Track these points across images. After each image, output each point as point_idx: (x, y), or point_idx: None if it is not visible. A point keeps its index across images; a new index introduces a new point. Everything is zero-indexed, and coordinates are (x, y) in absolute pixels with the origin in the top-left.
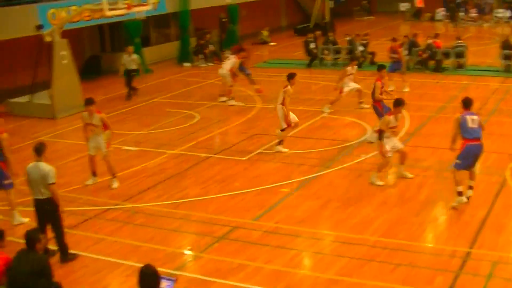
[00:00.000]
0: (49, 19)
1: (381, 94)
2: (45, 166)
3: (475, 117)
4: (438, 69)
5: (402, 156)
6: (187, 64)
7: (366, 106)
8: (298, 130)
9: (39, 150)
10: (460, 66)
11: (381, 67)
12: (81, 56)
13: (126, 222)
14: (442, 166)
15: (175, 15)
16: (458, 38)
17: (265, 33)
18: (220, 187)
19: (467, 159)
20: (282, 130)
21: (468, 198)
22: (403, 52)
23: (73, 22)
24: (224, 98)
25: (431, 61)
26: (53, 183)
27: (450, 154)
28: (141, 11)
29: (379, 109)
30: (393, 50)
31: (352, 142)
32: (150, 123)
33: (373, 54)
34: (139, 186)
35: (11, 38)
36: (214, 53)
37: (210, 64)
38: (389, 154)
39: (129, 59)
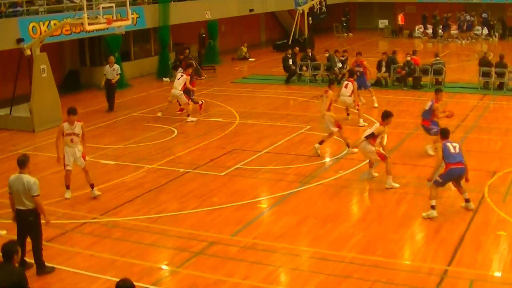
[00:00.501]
0: (29, 32)
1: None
2: (29, 178)
3: (455, 144)
4: (417, 86)
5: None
6: (166, 79)
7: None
8: (276, 145)
9: (23, 162)
10: (438, 83)
11: (438, 90)
12: (61, 70)
13: (103, 236)
14: (420, 182)
15: (155, 30)
16: (436, 55)
17: (244, 49)
18: (198, 202)
19: (448, 180)
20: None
21: (471, 208)
22: (382, 68)
23: (54, 36)
24: (192, 118)
25: (409, 78)
26: (38, 195)
27: (428, 170)
28: (121, 25)
29: (428, 126)
30: (357, 64)
31: (331, 158)
32: (128, 137)
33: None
34: (117, 200)
35: None
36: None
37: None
38: (387, 155)
39: (110, 70)
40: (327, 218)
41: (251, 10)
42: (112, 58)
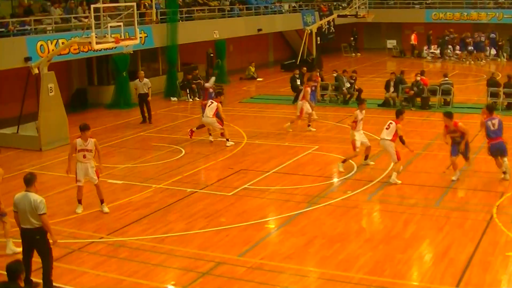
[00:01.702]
0: (37, 51)
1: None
2: (36, 197)
3: (494, 121)
4: (425, 106)
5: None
6: (174, 99)
7: (313, 129)
8: (284, 166)
9: (30, 181)
10: (446, 104)
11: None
12: (69, 89)
13: (110, 255)
14: (428, 203)
15: (163, 49)
16: (445, 76)
17: (252, 68)
18: (206, 222)
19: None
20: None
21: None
22: (390, 88)
23: (61, 54)
24: (230, 142)
25: (418, 98)
26: (44, 213)
27: (436, 191)
28: (129, 45)
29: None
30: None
31: (339, 178)
32: (136, 157)
33: (359, 91)
34: (124, 219)
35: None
36: (201, 88)
37: (197, 99)
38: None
39: (141, 84)
40: (335, 239)
41: (259, 30)
42: (142, 73)
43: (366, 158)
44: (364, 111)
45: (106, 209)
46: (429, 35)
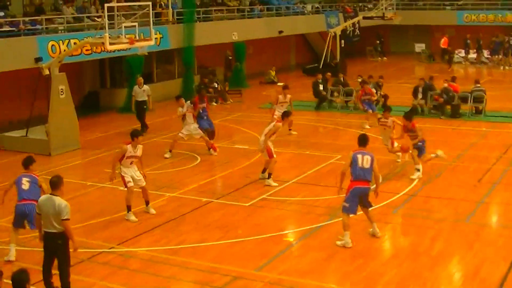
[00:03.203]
0: (48, 51)
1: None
2: (60, 201)
3: (367, 156)
4: (455, 114)
5: None
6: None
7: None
8: (304, 175)
9: (56, 184)
10: (478, 112)
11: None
12: (80, 91)
13: (120, 266)
14: (458, 218)
15: (179, 51)
16: (477, 82)
17: (272, 72)
18: (221, 233)
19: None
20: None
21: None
22: (419, 95)
23: (73, 55)
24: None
25: (447, 106)
26: (68, 219)
27: (466, 205)
28: (144, 46)
29: None
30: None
31: None
32: (149, 164)
33: (385, 97)
34: (135, 229)
35: (9, 70)
36: (218, 92)
37: (214, 104)
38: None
39: (140, 90)
40: (358, 254)
41: (280, 32)
42: (140, 79)
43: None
44: (391, 119)
45: (152, 211)
46: (467, 39)
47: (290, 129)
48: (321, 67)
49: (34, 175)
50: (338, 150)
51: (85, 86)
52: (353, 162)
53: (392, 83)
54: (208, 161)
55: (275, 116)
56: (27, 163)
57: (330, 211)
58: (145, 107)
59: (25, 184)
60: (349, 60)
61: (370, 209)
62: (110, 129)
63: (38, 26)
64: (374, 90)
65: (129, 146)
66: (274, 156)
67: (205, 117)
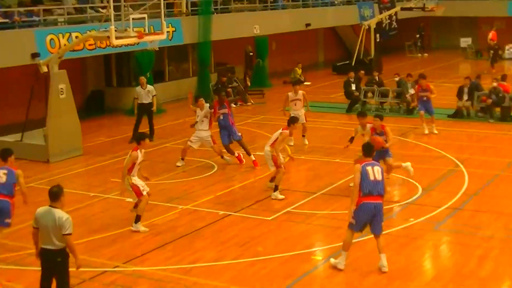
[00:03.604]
0: (47, 46)
1: None
2: (61, 214)
3: (377, 167)
4: (506, 118)
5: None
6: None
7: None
8: (334, 186)
9: (55, 194)
10: None
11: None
12: (83, 91)
13: (126, 287)
14: (509, 234)
15: (193, 46)
16: None
17: (298, 70)
18: (240, 251)
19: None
20: None
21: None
22: (464, 96)
23: (75, 51)
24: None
25: (497, 108)
26: (70, 234)
27: None
28: (154, 40)
29: None
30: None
31: (400, 203)
32: (160, 172)
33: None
34: (144, 245)
35: (3, 67)
36: (238, 93)
37: (234, 105)
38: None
39: (144, 92)
40: (395, 276)
41: (307, 25)
42: (143, 79)
43: None
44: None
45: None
46: None
47: (303, 135)
48: (353, 64)
49: (12, 168)
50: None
51: (88, 85)
52: (363, 175)
53: (433, 83)
54: (226, 170)
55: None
56: (5, 154)
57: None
58: (151, 109)
59: (2, 177)
60: (385, 57)
61: (380, 234)
62: (117, 134)
63: (35, 18)
64: (432, 86)
65: (138, 152)
66: (282, 166)
67: (226, 127)
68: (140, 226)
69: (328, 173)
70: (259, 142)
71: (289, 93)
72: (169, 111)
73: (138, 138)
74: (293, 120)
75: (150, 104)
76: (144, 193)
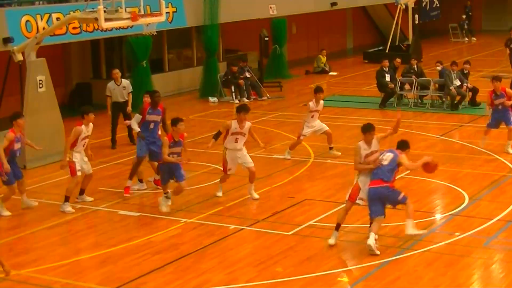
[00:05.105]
0: (21, 30)
1: None
2: None
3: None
4: None
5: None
6: (213, 99)
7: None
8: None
9: None
10: None
11: None
12: (66, 83)
13: None
14: None
15: (198, 30)
16: None
17: (323, 58)
18: (255, 272)
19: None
20: None
21: None
22: None
23: (56, 35)
24: None
25: None
26: None
27: None
28: (152, 23)
29: None
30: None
31: (443, 215)
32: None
33: (474, 91)
34: (140, 267)
35: None
36: (251, 85)
37: (246, 100)
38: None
39: (118, 88)
40: None
41: (333, 4)
42: (117, 72)
43: None
44: None
45: (88, 198)
46: None
47: (331, 147)
48: (387, 51)
49: None
50: (411, 161)
51: (72, 76)
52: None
53: (483, 72)
54: (238, 176)
55: (301, 137)
56: None
57: (401, 242)
58: (129, 110)
59: None
60: (425, 42)
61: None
62: (106, 134)
63: None
64: (509, 90)
65: (82, 127)
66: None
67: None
68: (67, 207)
69: None
70: (275, 143)
71: (310, 103)
72: (169, 107)
73: (82, 112)
74: (240, 108)
75: (125, 103)
76: (79, 173)
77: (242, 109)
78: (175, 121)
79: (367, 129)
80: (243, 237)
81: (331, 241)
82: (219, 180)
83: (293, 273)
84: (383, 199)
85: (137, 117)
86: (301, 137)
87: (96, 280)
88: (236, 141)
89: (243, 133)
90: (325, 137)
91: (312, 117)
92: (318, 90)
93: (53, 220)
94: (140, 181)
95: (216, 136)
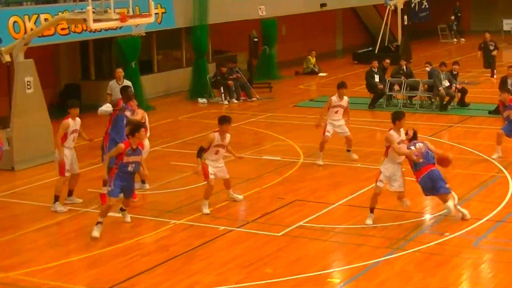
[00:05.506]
0: (9, 30)
1: None
2: None
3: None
4: None
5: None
6: (202, 100)
7: (355, 156)
8: (356, 195)
9: None
10: None
11: None
12: (55, 85)
13: None
14: None
15: (187, 31)
16: None
17: (312, 59)
18: (244, 273)
19: None
20: None
21: None
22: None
23: (44, 36)
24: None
25: None
26: None
27: None
28: (141, 24)
29: None
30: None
31: (433, 215)
32: (149, 181)
33: (463, 91)
34: (129, 268)
35: None
36: (241, 86)
37: (235, 101)
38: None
39: (119, 87)
40: None
41: (323, 5)
42: (120, 72)
43: None
44: None
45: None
46: None
47: (349, 150)
48: (377, 52)
49: None
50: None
51: (61, 77)
52: None
53: (472, 73)
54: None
55: (327, 134)
56: None
57: (391, 243)
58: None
59: None
60: (414, 43)
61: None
62: (96, 135)
63: None
64: None
65: (69, 120)
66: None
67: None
68: (58, 206)
69: (348, 180)
70: (265, 144)
71: (333, 97)
72: (159, 108)
73: (67, 106)
74: (223, 120)
75: None
76: (67, 174)
77: (225, 121)
78: (137, 127)
79: (400, 117)
80: (233, 238)
81: (368, 221)
82: (203, 197)
83: (283, 274)
84: (434, 181)
85: (107, 105)
86: (326, 134)
87: (85, 282)
88: (217, 153)
89: (224, 145)
90: (318, 137)
91: (336, 112)
92: (341, 85)
93: (43, 221)
94: (143, 182)
95: (200, 154)
